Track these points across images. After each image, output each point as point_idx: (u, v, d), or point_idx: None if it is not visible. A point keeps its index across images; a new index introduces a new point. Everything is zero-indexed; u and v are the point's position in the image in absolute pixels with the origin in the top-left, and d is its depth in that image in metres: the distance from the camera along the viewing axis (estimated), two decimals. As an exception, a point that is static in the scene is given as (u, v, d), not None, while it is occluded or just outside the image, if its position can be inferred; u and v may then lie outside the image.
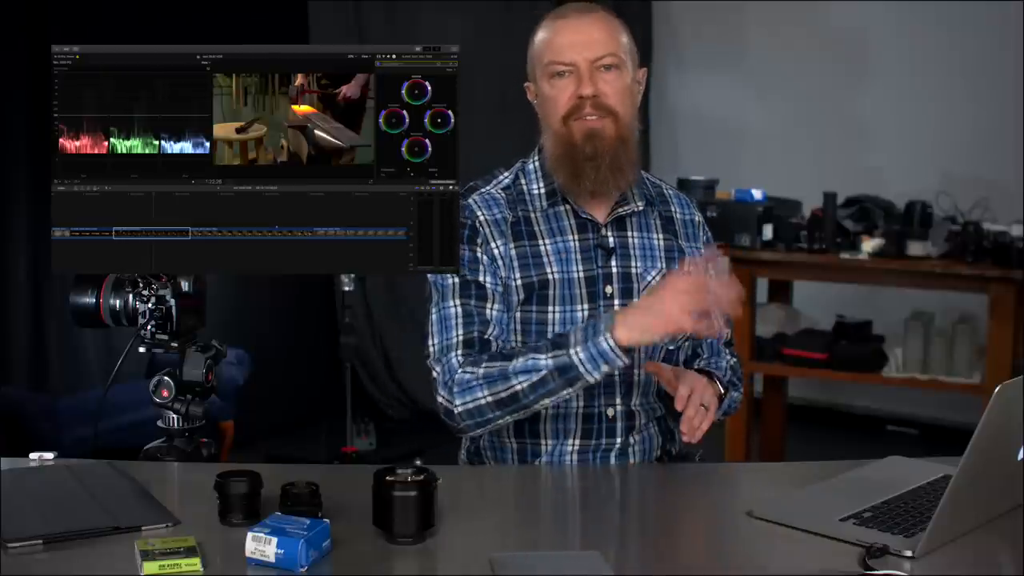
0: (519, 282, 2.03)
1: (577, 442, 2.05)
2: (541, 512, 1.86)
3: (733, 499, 1.88)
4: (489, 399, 1.91)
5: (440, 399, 1.96)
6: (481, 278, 2.01)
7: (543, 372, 1.87)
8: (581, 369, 1.86)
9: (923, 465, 1.95)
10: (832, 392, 5.42)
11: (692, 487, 1.97)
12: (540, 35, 2.05)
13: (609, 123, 2.00)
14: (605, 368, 1.86)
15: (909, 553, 1.58)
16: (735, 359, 2.22)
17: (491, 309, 2.00)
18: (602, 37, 2.01)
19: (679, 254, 2.10)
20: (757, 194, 4.32)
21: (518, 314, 2.03)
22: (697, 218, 2.18)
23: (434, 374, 1.98)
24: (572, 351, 1.86)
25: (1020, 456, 1.66)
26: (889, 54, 5.27)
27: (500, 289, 2.01)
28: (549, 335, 2.00)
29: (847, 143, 5.36)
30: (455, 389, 1.93)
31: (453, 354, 1.96)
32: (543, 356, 1.88)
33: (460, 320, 1.98)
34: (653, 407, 2.08)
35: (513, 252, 2.03)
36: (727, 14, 5.63)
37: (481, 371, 1.91)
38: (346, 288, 4.49)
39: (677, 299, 1.81)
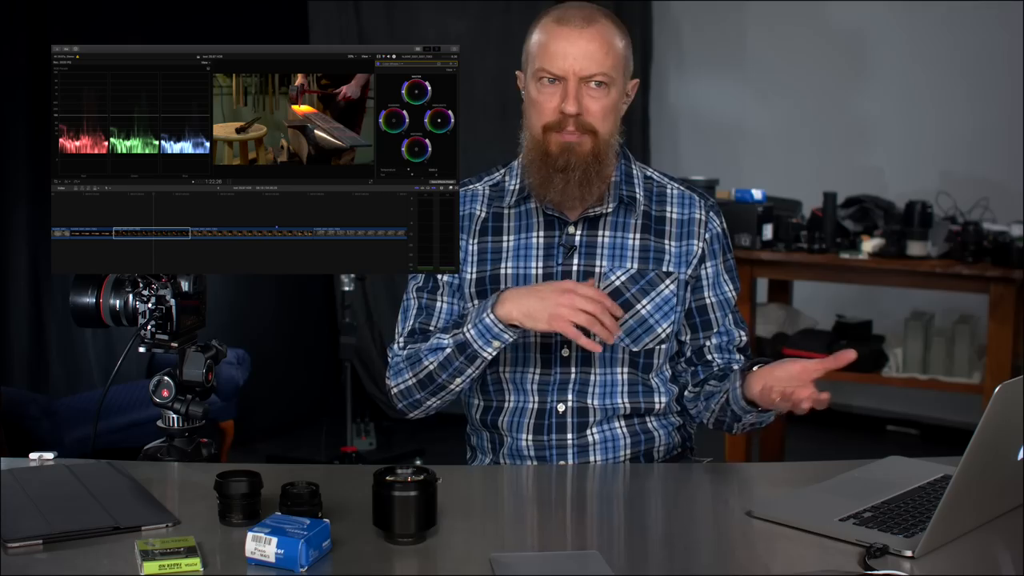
0: (473, 276, 2.09)
1: (530, 436, 2.07)
2: (541, 512, 1.86)
3: (733, 499, 1.88)
4: (412, 380, 2.05)
5: (386, 384, 2.12)
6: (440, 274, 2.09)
7: (447, 350, 1.99)
8: (475, 345, 1.96)
9: (923, 465, 1.95)
10: (832, 392, 5.40)
11: (692, 487, 1.97)
12: (537, 34, 2.02)
13: (587, 140, 1.99)
14: (495, 343, 1.95)
15: (909, 553, 1.58)
16: None
17: (441, 301, 2.10)
18: (598, 53, 1.97)
19: (657, 253, 2.08)
20: (757, 194, 4.32)
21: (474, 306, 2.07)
22: (698, 216, 2.12)
23: (389, 357, 2.14)
24: (466, 327, 1.96)
25: (1020, 456, 1.66)
26: (889, 54, 5.27)
27: (456, 283, 2.10)
28: None
29: (847, 143, 5.36)
30: (390, 373, 2.10)
31: (396, 343, 2.11)
32: (447, 336, 1.99)
33: (412, 312, 2.11)
34: (618, 407, 2.07)
35: (474, 247, 2.09)
36: (727, 14, 5.63)
37: (405, 353, 2.06)
38: (346, 288, 4.50)
39: (569, 299, 1.88)
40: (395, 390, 2.09)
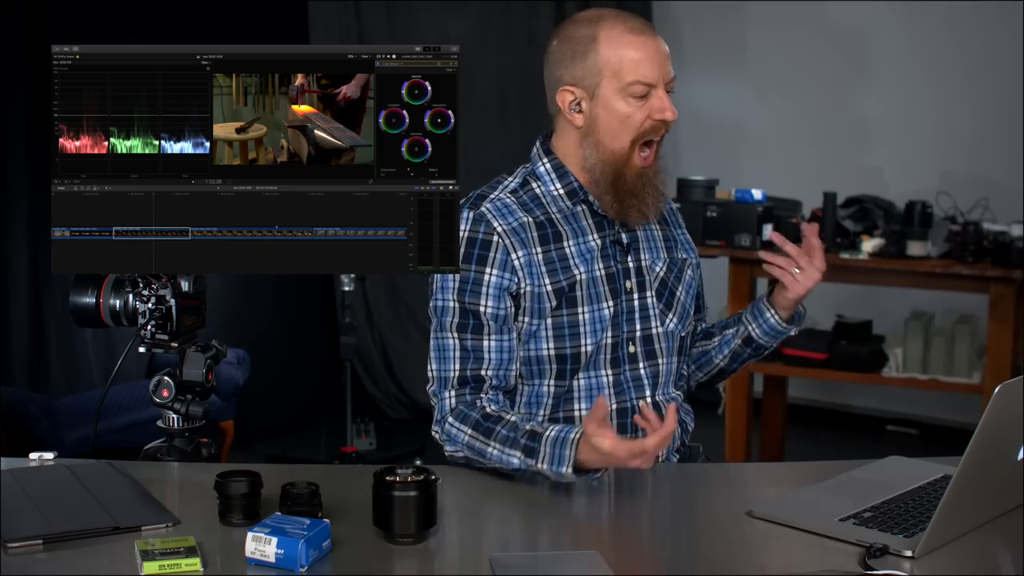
0: (549, 288, 2.01)
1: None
2: (541, 512, 1.86)
3: (733, 499, 1.88)
4: (466, 454, 1.95)
5: (433, 432, 2.01)
6: (481, 304, 1.97)
7: (513, 467, 1.89)
8: (547, 475, 1.86)
9: (923, 465, 1.96)
10: (832, 392, 5.42)
11: (692, 487, 1.97)
12: (612, 47, 1.96)
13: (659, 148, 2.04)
14: (585, 477, 1.86)
15: (909, 553, 1.58)
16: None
17: (488, 341, 1.98)
18: (670, 56, 2.00)
19: (674, 242, 2.16)
20: (757, 194, 4.32)
21: (549, 320, 2.01)
22: (673, 206, 2.24)
23: (433, 402, 2.02)
24: (539, 464, 1.85)
25: (1020, 456, 1.67)
26: (889, 54, 5.27)
27: (503, 312, 1.98)
28: (581, 337, 2.01)
29: (847, 143, 5.37)
30: (443, 435, 1.98)
31: (447, 393, 1.99)
32: (517, 456, 1.87)
33: (456, 355, 1.99)
34: (675, 396, 2.10)
35: (540, 258, 2.01)
36: (727, 14, 5.63)
37: (466, 438, 1.93)
38: (346, 288, 4.50)
39: (644, 460, 1.77)
40: (448, 453, 1.99)
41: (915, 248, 4.10)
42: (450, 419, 1.96)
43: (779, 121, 5.52)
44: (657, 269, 2.11)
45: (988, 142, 4.98)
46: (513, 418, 1.91)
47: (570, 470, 1.81)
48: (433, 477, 1.64)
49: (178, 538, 1.57)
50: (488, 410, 1.95)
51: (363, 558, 1.58)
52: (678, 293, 2.12)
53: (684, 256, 2.17)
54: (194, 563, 1.51)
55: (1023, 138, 4.82)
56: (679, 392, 2.13)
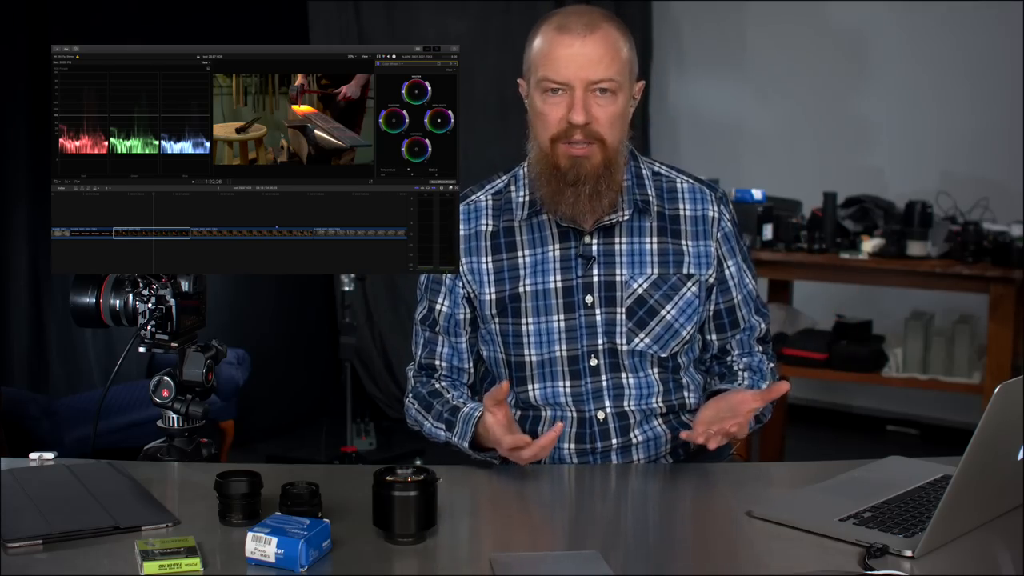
0: (493, 296, 2.07)
1: (573, 445, 2.05)
2: (541, 512, 1.86)
3: (733, 499, 1.88)
4: (420, 427, 2.12)
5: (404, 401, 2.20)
6: (438, 302, 2.12)
7: (441, 440, 2.06)
8: (461, 448, 2.02)
9: (923, 465, 1.96)
10: (832, 392, 5.42)
11: (692, 487, 1.97)
12: (539, 41, 1.97)
13: (596, 149, 1.96)
14: (482, 455, 2.00)
15: (909, 553, 1.58)
16: (773, 364, 2.18)
17: (440, 338, 2.13)
18: (603, 59, 1.93)
19: (676, 256, 2.06)
20: (757, 194, 4.32)
21: (496, 326, 2.07)
22: (711, 213, 2.10)
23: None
24: (454, 438, 2.02)
25: (1020, 456, 1.67)
26: (889, 54, 5.27)
27: (458, 316, 2.10)
28: (524, 347, 2.06)
29: (847, 143, 5.36)
30: (406, 398, 2.17)
31: (411, 372, 2.18)
32: (443, 429, 2.05)
33: (420, 342, 2.17)
34: (654, 407, 2.07)
35: (490, 266, 2.07)
36: (727, 14, 5.63)
37: (414, 412, 2.13)
38: (346, 288, 4.50)
39: (516, 457, 1.92)
40: (409, 420, 2.16)
41: (915, 248, 4.10)
42: (408, 397, 2.15)
43: (779, 121, 5.52)
44: (635, 286, 2.04)
45: (988, 142, 4.98)
46: (451, 395, 2.07)
47: (466, 444, 1.98)
48: (433, 477, 1.64)
49: (178, 538, 1.57)
50: (436, 387, 2.11)
51: (363, 558, 1.58)
52: (662, 312, 2.04)
53: (692, 272, 2.06)
54: (194, 563, 1.51)
55: (1023, 138, 4.81)
56: (662, 405, 2.07)
